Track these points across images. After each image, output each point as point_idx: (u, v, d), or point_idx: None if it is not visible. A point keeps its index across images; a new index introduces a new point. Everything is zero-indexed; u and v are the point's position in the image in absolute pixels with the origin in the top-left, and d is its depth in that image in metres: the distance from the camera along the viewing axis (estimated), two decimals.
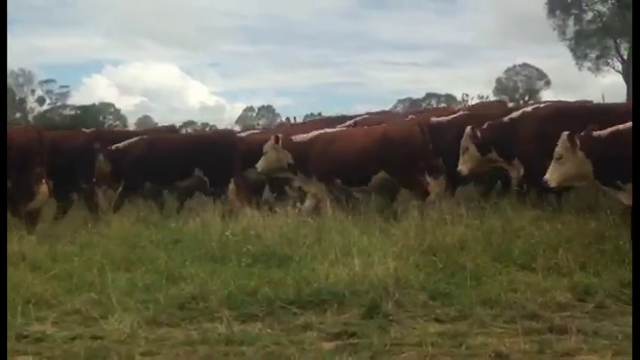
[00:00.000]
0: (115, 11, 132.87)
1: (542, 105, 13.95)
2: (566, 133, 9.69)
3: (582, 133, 9.64)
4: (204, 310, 7.32)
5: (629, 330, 6.31)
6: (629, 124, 9.06)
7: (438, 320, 6.90)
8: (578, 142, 9.60)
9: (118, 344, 6.42)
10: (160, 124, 31.64)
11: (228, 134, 17.50)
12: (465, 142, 12.39)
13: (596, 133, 9.63)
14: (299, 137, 13.45)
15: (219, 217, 11.38)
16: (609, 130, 9.52)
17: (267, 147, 13.28)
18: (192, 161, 14.04)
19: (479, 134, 12.31)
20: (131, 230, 11.02)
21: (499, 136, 12.25)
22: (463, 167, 12.45)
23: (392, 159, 12.32)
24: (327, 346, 6.31)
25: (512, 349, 5.96)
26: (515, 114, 12.52)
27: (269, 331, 6.73)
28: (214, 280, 8.07)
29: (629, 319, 6.69)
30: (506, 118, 12.49)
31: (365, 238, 9.41)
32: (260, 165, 13.35)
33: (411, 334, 6.45)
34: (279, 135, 13.52)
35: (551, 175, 9.91)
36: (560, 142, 9.74)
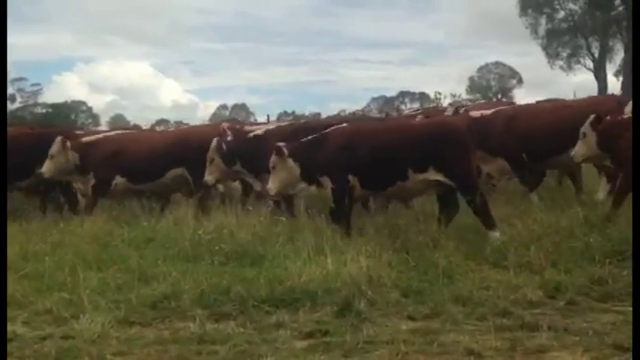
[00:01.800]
0: (85, 8, 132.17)
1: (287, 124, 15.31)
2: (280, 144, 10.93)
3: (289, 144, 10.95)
4: (176, 310, 7.29)
5: (599, 326, 6.42)
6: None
7: (410, 318, 6.92)
8: (286, 151, 10.72)
9: (89, 344, 6.36)
10: (132, 122, 31.47)
11: None
12: (211, 153, 12.75)
13: (303, 140, 11.00)
14: None
15: (192, 215, 11.35)
16: (310, 138, 10.98)
17: None
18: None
19: (224, 146, 12.77)
20: (103, 229, 10.93)
21: (243, 150, 12.76)
22: (209, 177, 12.79)
23: None
24: (300, 344, 6.30)
25: (484, 347, 5.98)
26: (259, 131, 13.19)
27: (241, 329, 6.70)
28: (187, 279, 8.02)
29: (599, 316, 6.80)
30: (251, 135, 13.10)
31: (338, 237, 9.41)
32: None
33: (383, 332, 6.45)
34: None
35: (272, 185, 10.89)
36: (273, 155, 10.81)
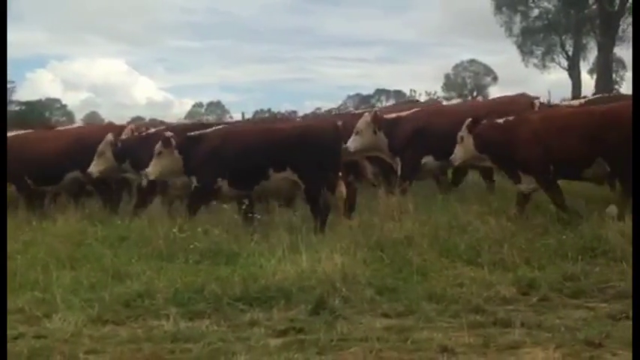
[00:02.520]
0: (58, 6, 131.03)
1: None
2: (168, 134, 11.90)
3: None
4: (150, 308, 7.27)
5: (571, 322, 6.46)
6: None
7: (384, 315, 6.94)
8: (173, 142, 11.60)
9: (61, 343, 6.34)
10: (107, 120, 31.24)
11: None
12: (103, 147, 13.18)
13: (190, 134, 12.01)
14: None
15: (166, 213, 11.32)
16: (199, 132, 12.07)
17: None
18: None
19: (118, 144, 13.21)
20: (76, 228, 10.87)
21: (132, 149, 13.05)
22: (94, 169, 13.12)
23: None
24: (274, 342, 6.30)
25: (457, 343, 6.01)
26: (150, 133, 13.56)
27: (215, 327, 6.70)
28: (161, 277, 8.02)
29: (571, 312, 6.86)
30: (144, 134, 13.55)
31: (312, 234, 9.42)
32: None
33: (357, 330, 6.47)
34: None
35: (152, 169, 11.67)
36: (160, 143, 11.68)
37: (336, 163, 11.30)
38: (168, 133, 11.89)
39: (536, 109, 12.90)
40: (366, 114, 13.39)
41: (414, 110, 13.93)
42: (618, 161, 10.14)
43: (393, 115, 13.54)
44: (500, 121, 11.17)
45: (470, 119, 11.36)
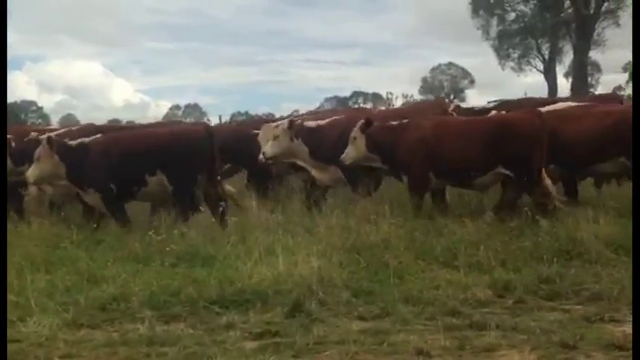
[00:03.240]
0: (32, 7, 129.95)
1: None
2: (47, 136, 12.04)
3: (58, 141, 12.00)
4: (125, 311, 7.23)
5: (547, 325, 6.51)
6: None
7: (360, 318, 6.95)
8: (55, 147, 11.59)
9: (36, 347, 6.30)
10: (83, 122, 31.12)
11: None
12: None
13: (68, 142, 11.95)
14: None
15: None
16: (78, 140, 11.94)
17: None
18: None
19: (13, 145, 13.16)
20: (51, 231, 10.78)
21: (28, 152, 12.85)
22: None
23: None
24: (250, 345, 6.29)
25: (433, 346, 6.03)
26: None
27: (191, 331, 6.68)
28: (137, 280, 7.98)
29: (547, 314, 6.90)
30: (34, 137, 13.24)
31: (289, 237, 9.41)
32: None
33: (333, 333, 6.48)
34: None
35: (31, 173, 11.66)
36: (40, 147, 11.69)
37: (204, 164, 11.56)
38: (47, 136, 11.99)
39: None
40: (284, 121, 13.59)
41: (334, 118, 14.08)
42: (518, 168, 10.86)
43: (313, 123, 13.68)
44: (394, 123, 11.73)
45: (362, 120, 11.83)
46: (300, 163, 13.38)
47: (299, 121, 13.80)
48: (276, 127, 13.34)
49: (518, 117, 11.55)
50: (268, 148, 13.02)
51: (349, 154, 11.79)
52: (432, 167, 11.26)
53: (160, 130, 12.78)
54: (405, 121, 11.77)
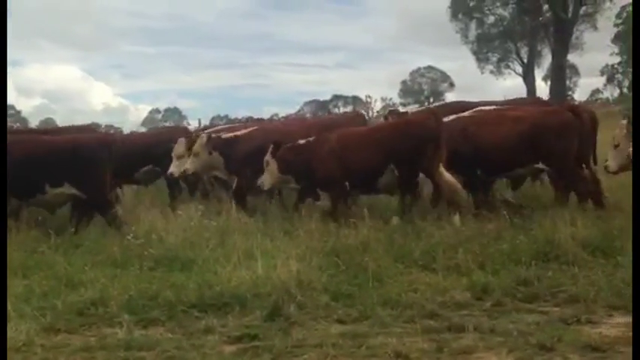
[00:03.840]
0: (11, 11, 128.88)
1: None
2: None
3: None
4: (103, 316, 7.19)
5: (524, 327, 6.54)
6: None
7: (339, 321, 6.96)
8: None
9: (13, 352, 6.26)
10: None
11: None
12: None
13: None
14: None
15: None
16: None
17: None
18: None
19: None
20: (29, 235, 10.71)
21: None
22: None
23: None
24: (229, 349, 6.30)
25: (411, 349, 6.05)
26: None
27: (170, 335, 6.67)
28: (115, 284, 7.92)
29: (524, 316, 6.93)
30: None
31: (268, 241, 9.40)
32: None
33: (312, 336, 6.48)
34: None
35: None
36: None
37: (103, 174, 11.68)
38: None
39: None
40: (202, 135, 13.89)
41: (250, 129, 14.37)
42: (405, 171, 11.44)
43: (230, 134, 14.08)
44: (302, 142, 12.04)
45: (272, 144, 12.08)
46: (219, 174, 13.97)
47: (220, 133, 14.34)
48: (189, 140, 13.82)
49: (412, 119, 12.40)
50: (189, 165, 13.48)
51: (265, 179, 12.13)
52: (346, 177, 11.70)
53: (56, 138, 12.59)
54: (311, 139, 12.11)
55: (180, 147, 13.84)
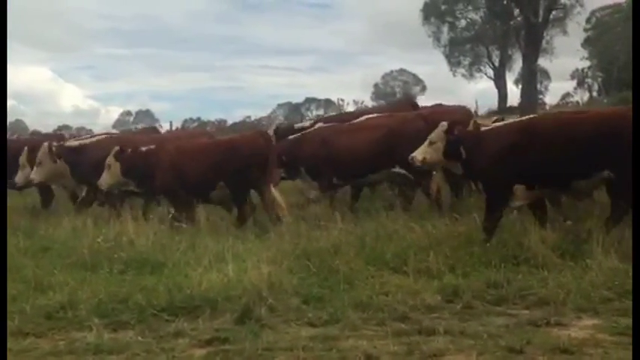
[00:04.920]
0: None
1: None
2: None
3: None
4: (72, 320, 7.13)
5: (494, 329, 6.56)
6: None
7: (310, 324, 6.94)
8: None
9: None
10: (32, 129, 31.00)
11: None
12: None
13: None
14: None
15: (91, 223, 11.14)
16: None
17: None
18: None
19: None
20: None
21: None
22: None
23: None
24: (199, 352, 6.27)
25: (382, 351, 6.05)
26: None
27: (140, 338, 6.61)
28: (84, 288, 7.88)
29: (494, 319, 6.96)
30: None
31: (239, 244, 9.38)
32: None
33: (283, 339, 6.46)
34: None
35: None
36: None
37: None
38: None
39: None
40: (45, 144, 13.94)
41: (97, 139, 14.73)
42: (233, 187, 12.10)
43: (76, 143, 14.40)
44: (143, 149, 12.54)
45: (117, 147, 12.50)
46: (66, 183, 14.31)
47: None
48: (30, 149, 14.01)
49: (238, 139, 13.12)
50: (34, 173, 13.66)
51: (105, 179, 12.48)
52: (182, 187, 12.16)
53: None
54: (153, 147, 12.61)
55: (24, 156, 14.04)
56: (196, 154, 12.48)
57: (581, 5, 58.69)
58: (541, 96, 66.31)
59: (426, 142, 10.31)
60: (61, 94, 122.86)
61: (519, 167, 9.60)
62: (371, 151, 12.61)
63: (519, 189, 9.73)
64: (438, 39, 65.75)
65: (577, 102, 57.85)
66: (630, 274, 7.65)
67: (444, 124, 10.21)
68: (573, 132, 9.50)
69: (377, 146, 12.57)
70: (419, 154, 10.34)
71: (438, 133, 10.21)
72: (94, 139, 14.43)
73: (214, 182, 12.10)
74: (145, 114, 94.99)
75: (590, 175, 9.47)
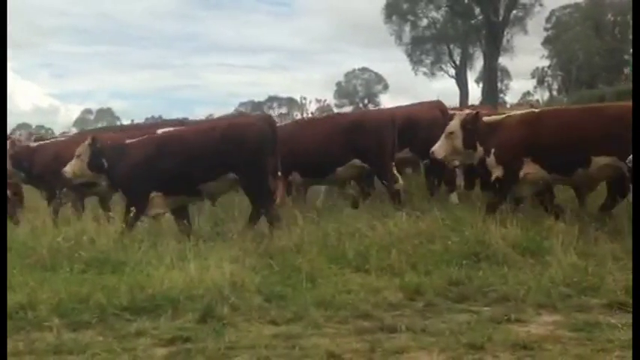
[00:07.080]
0: None
1: None
2: None
3: None
4: (32, 320, 7.03)
5: (455, 326, 6.61)
6: None
7: (272, 323, 6.94)
8: None
9: None
10: None
11: None
12: None
13: None
14: None
15: (50, 222, 11.02)
16: None
17: None
18: None
19: None
20: None
21: None
22: None
23: None
24: (161, 351, 6.23)
25: (344, 349, 6.08)
26: None
27: (100, 338, 6.57)
28: (44, 288, 7.76)
29: (456, 316, 7.01)
30: None
31: (201, 243, 9.34)
32: None
33: (245, 337, 6.45)
34: None
35: None
36: None
37: None
38: None
39: None
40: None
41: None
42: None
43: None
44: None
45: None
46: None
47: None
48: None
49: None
50: None
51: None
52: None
53: None
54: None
55: None
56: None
57: (541, 4, 59.46)
58: (502, 95, 66.93)
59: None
60: (19, 92, 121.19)
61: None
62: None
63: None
64: (399, 37, 66.14)
65: (537, 100, 58.35)
66: (589, 270, 7.84)
67: (89, 139, 11.26)
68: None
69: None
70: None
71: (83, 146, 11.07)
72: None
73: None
74: (106, 112, 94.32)
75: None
